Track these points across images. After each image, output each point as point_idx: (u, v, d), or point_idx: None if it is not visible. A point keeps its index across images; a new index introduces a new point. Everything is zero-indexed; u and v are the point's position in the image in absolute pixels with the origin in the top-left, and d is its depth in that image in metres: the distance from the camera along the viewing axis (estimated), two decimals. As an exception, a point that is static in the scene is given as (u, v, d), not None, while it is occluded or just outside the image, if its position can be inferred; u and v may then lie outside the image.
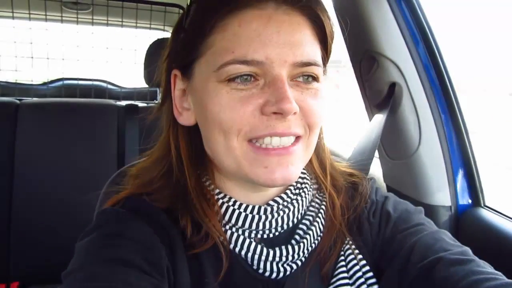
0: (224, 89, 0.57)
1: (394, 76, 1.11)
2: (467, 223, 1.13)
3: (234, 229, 0.64)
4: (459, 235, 1.13)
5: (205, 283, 0.62)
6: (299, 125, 0.59)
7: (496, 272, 0.58)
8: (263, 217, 0.64)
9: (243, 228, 0.64)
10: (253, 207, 0.64)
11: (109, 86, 2.56)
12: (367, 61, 1.15)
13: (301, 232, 0.68)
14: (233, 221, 0.64)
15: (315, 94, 0.60)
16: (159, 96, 1.94)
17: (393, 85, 1.13)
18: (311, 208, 0.70)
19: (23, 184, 1.75)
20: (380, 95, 1.15)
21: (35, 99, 1.98)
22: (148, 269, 0.56)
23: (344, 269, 0.68)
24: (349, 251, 0.70)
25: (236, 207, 0.64)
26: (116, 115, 1.92)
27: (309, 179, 0.72)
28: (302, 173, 0.71)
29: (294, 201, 0.67)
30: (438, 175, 1.15)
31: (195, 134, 0.66)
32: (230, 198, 0.65)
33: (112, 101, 2.04)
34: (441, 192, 1.16)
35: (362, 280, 0.67)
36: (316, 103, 0.60)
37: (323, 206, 0.71)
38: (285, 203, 0.67)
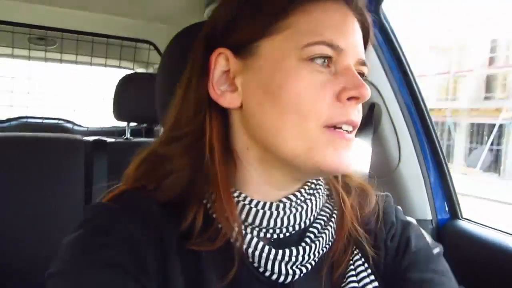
0: (305, 69, 0.57)
1: (373, 97, 1.19)
2: (447, 235, 1.19)
3: (243, 227, 0.62)
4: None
5: (205, 285, 0.59)
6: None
7: None
8: (275, 213, 0.63)
9: (253, 226, 0.62)
10: (265, 203, 0.63)
11: (75, 127, 2.50)
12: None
13: (312, 235, 0.66)
14: (242, 217, 0.62)
15: None
16: (127, 133, 1.92)
17: (372, 106, 1.20)
18: (322, 213, 0.70)
19: None
20: (362, 116, 1.22)
21: None
22: (135, 271, 0.54)
23: (354, 278, 0.67)
24: (359, 262, 0.69)
25: (246, 202, 0.62)
26: (83, 150, 1.85)
27: (322, 180, 0.72)
28: None
29: (308, 201, 0.67)
30: (418, 191, 1.22)
31: (226, 120, 0.64)
32: (240, 194, 0.63)
33: (78, 136, 1.97)
34: (422, 206, 1.22)
35: None
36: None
37: (335, 211, 0.70)
38: (298, 201, 0.66)
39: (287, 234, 0.64)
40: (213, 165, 0.61)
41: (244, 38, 0.61)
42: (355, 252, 0.70)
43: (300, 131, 0.57)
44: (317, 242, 0.65)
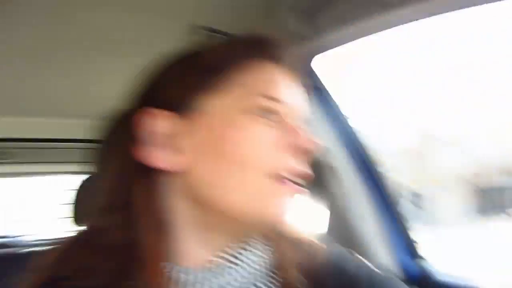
0: (257, 125, 0.58)
1: (320, 154, 1.24)
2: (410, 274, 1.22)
3: None
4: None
5: None
6: None
7: None
8: (200, 277, 0.59)
9: None
10: (194, 270, 0.59)
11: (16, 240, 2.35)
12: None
13: None
14: None
15: None
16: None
17: (319, 163, 1.24)
18: (261, 270, 0.65)
19: None
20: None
21: None
22: None
23: None
24: None
25: (174, 273, 0.58)
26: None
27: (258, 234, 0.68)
28: None
29: (242, 255, 0.63)
30: (376, 239, 1.25)
31: (154, 184, 0.61)
32: (166, 264, 0.58)
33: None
34: (382, 253, 1.25)
35: None
36: None
37: (273, 269, 0.66)
38: (230, 258, 0.62)
39: None
40: (142, 239, 0.57)
41: (187, 96, 0.61)
42: None
43: (244, 182, 0.57)
44: None
